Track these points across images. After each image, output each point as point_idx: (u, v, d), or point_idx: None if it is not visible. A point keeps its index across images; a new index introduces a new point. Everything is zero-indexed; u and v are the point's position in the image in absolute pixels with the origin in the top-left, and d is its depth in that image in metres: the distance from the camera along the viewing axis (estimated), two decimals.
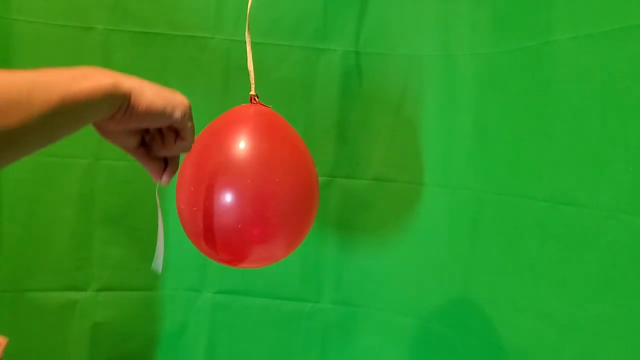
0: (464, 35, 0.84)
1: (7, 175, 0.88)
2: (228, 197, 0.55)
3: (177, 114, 0.44)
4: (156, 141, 0.47)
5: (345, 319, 0.95)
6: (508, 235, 0.78)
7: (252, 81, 0.64)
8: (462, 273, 0.85)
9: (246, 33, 0.64)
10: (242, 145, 0.56)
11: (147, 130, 0.47)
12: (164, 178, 0.50)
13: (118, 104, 0.40)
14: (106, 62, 0.90)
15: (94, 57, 0.89)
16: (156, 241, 0.55)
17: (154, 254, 0.59)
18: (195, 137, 0.54)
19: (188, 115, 0.46)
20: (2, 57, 0.86)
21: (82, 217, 0.92)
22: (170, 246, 0.94)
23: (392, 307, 0.92)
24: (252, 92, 0.64)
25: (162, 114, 0.43)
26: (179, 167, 0.52)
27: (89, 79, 0.38)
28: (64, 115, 0.37)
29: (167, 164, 0.50)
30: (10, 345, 0.91)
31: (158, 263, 0.56)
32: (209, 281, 0.95)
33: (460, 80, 0.85)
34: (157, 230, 0.55)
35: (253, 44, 0.90)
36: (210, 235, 0.57)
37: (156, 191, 0.53)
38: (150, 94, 0.42)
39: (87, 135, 0.93)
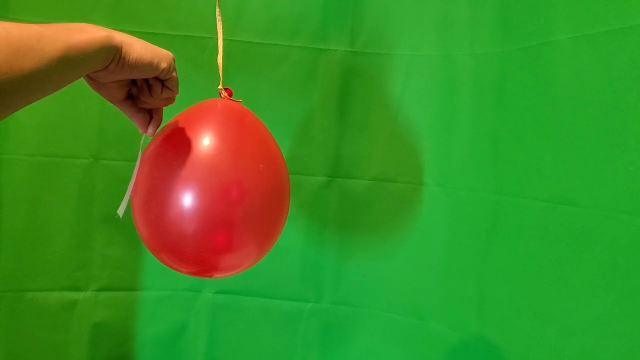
0: (464, 35, 0.84)
1: (7, 175, 0.88)
2: (188, 200, 0.48)
3: (163, 65, 0.48)
4: (143, 92, 0.50)
5: (345, 319, 0.95)
6: (508, 235, 0.78)
7: (221, 74, 0.60)
8: (462, 273, 0.85)
9: (218, 24, 0.62)
10: (205, 141, 0.51)
11: (134, 84, 0.51)
12: (150, 129, 0.53)
13: (111, 55, 0.44)
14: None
15: None
16: (127, 188, 0.52)
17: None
18: (158, 131, 0.54)
19: (173, 67, 0.50)
20: None
21: (82, 217, 0.92)
22: None
23: (392, 307, 0.92)
24: (220, 86, 0.59)
25: (150, 64, 0.47)
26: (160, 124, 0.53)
27: (86, 33, 0.41)
28: (68, 63, 0.40)
29: (152, 117, 0.53)
30: (10, 345, 0.91)
31: (122, 208, 0.52)
32: (209, 281, 0.95)
33: (460, 80, 0.85)
34: (132, 177, 0.52)
35: (253, 44, 0.91)
36: (171, 245, 0.50)
37: (141, 142, 0.54)
38: (139, 47, 0.46)
39: (87, 135, 0.94)
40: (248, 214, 0.51)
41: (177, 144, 0.51)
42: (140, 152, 0.54)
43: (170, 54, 0.50)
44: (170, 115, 0.89)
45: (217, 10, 0.61)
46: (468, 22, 0.83)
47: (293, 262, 0.93)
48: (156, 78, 0.49)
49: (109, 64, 0.44)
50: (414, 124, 0.90)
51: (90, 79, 0.47)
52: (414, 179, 0.91)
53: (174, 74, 0.50)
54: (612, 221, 0.63)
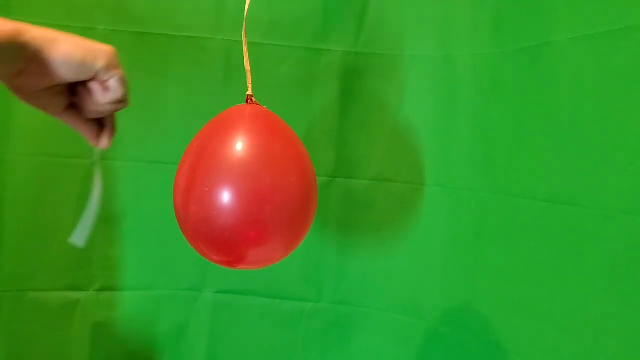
0: (464, 35, 0.84)
1: (9, 175, 0.88)
2: (226, 198, 0.54)
3: (100, 63, 0.40)
4: (85, 99, 0.43)
5: (345, 319, 0.95)
6: (508, 235, 0.78)
7: (249, 81, 0.63)
8: (462, 273, 0.85)
9: (243, 33, 0.64)
10: (238, 145, 0.56)
11: (72, 92, 0.43)
12: (103, 141, 0.47)
13: (22, 55, 0.36)
14: None
15: None
16: (85, 213, 0.50)
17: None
18: (192, 138, 0.57)
19: (114, 63, 0.42)
20: None
21: None
22: (169, 246, 0.95)
23: (392, 307, 0.93)
24: (249, 92, 0.63)
25: (82, 64, 0.39)
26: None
27: None
28: None
29: (103, 127, 0.47)
30: (11, 344, 0.91)
31: (81, 236, 0.49)
32: (209, 281, 0.95)
33: (460, 80, 0.85)
34: (91, 203, 0.50)
35: (253, 44, 0.91)
36: (208, 237, 0.56)
37: (95, 157, 0.49)
38: (67, 45, 0.39)
39: None
40: (278, 212, 0.56)
41: (214, 146, 0.56)
42: (97, 169, 0.49)
43: (109, 48, 0.42)
44: (169, 113, 0.89)
45: (244, 18, 0.62)
46: (468, 23, 0.83)
47: (293, 261, 0.94)
48: (95, 80, 0.42)
49: (24, 66, 0.37)
50: (414, 124, 0.91)
51: (12, 87, 0.39)
52: (414, 179, 0.91)
53: (116, 71, 0.42)
54: (612, 221, 0.63)
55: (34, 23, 0.69)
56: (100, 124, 0.47)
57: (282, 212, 0.56)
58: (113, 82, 0.43)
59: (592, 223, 0.65)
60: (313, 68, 0.91)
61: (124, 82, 0.43)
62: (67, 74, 0.39)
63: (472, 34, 0.83)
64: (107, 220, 0.93)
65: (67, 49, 0.39)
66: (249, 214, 0.54)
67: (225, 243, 0.56)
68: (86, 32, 0.88)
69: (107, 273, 0.93)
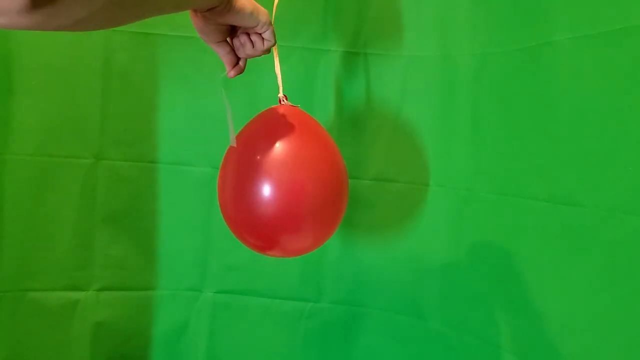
0: (464, 35, 0.84)
1: (9, 175, 0.88)
2: (266, 191, 0.60)
3: (262, 17, 0.56)
4: (245, 44, 0.59)
5: (345, 318, 0.95)
6: (508, 235, 0.78)
7: (280, 83, 0.67)
8: (462, 273, 0.85)
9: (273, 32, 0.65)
10: (277, 144, 0.62)
11: (235, 36, 0.59)
12: (232, 72, 0.62)
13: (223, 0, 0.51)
14: (107, 63, 0.90)
15: (95, 57, 0.90)
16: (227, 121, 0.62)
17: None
18: (234, 136, 0.64)
19: (269, 21, 0.58)
20: (2, 57, 0.86)
21: (84, 217, 0.92)
22: (169, 246, 0.95)
23: (392, 307, 0.93)
24: (280, 94, 0.67)
25: (251, 14, 0.54)
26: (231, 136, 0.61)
27: None
28: None
29: (236, 64, 0.62)
30: (11, 344, 0.91)
31: (232, 139, 0.62)
32: (209, 281, 0.95)
33: (460, 80, 0.85)
34: (227, 121, 0.61)
35: None
36: (249, 224, 0.63)
37: (220, 80, 0.63)
38: (244, 0, 0.54)
39: (89, 135, 0.94)
40: (310, 205, 0.62)
41: (256, 145, 0.62)
42: (223, 93, 0.62)
43: (266, 11, 0.57)
44: (170, 113, 0.89)
45: (272, 18, 0.65)
46: (468, 22, 0.83)
47: (293, 261, 0.94)
48: (256, 33, 0.58)
49: (218, 5, 0.51)
50: (414, 124, 0.91)
51: (201, 17, 0.54)
52: (414, 179, 0.91)
53: (270, 26, 0.58)
54: (612, 221, 0.63)
55: None
56: (237, 60, 0.62)
57: (314, 206, 0.62)
58: (268, 34, 0.58)
59: (592, 223, 0.65)
60: (313, 68, 0.91)
61: (274, 34, 0.59)
62: (239, 19, 0.54)
63: (471, 34, 0.83)
64: (107, 220, 0.93)
65: (244, 3, 0.54)
66: (286, 205, 0.60)
67: (262, 231, 0.62)
68: (86, 32, 0.88)
69: (107, 273, 0.93)
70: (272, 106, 0.67)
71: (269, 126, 0.65)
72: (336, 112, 0.93)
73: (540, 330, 0.72)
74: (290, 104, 0.67)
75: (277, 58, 0.67)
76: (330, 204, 0.64)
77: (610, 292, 0.64)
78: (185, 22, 0.91)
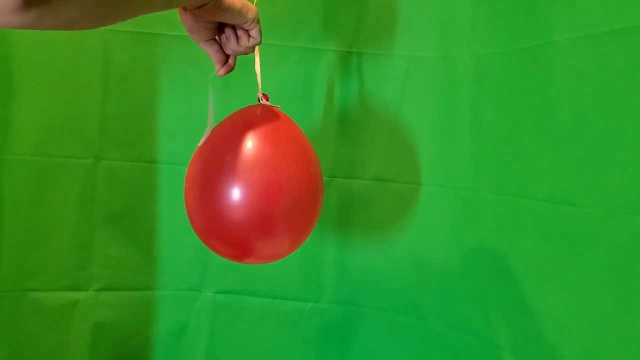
0: (464, 35, 0.84)
1: (8, 175, 0.88)
2: (235, 194, 0.56)
3: (250, 14, 0.56)
4: (231, 39, 0.59)
5: (345, 318, 0.95)
6: (508, 235, 0.78)
7: (259, 82, 0.65)
8: (462, 273, 0.85)
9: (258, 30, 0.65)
10: (249, 144, 0.58)
11: (222, 31, 0.59)
12: (222, 70, 0.61)
13: None
14: (106, 63, 0.90)
15: (95, 57, 0.90)
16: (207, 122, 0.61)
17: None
18: (203, 136, 0.61)
19: (257, 19, 0.58)
20: (2, 57, 0.86)
21: (83, 217, 0.92)
22: (169, 246, 0.95)
23: (392, 307, 0.93)
24: (260, 93, 0.65)
25: (240, 12, 0.54)
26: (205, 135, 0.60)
27: None
28: None
29: (226, 62, 0.62)
30: (11, 345, 0.91)
31: (202, 139, 0.61)
32: (209, 281, 0.95)
33: (460, 80, 0.85)
34: (207, 122, 0.61)
35: None
36: (218, 231, 0.59)
37: (210, 79, 0.62)
38: None
39: (88, 135, 0.94)
40: (285, 208, 0.58)
41: (226, 145, 0.59)
42: (210, 91, 0.62)
43: (255, 8, 0.57)
44: (169, 113, 0.89)
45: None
46: (468, 22, 0.83)
47: (293, 261, 0.93)
48: (242, 28, 0.57)
49: (208, 3, 0.51)
50: (414, 124, 0.91)
51: (190, 15, 0.55)
52: (413, 179, 0.91)
53: (258, 24, 0.58)
54: (612, 221, 0.63)
55: None
56: (227, 58, 0.61)
57: (288, 209, 0.59)
58: (255, 31, 0.58)
59: (592, 223, 0.65)
60: (313, 68, 0.91)
61: (261, 32, 0.59)
62: (228, 16, 0.54)
63: (471, 34, 0.83)
64: (107, 220, 0.93)
65: (233, 0, 0.54)
66: (256, 210, 0.57)
67: (233, 238, 0.59)
68: (85, 31, 0.88)
69: (107, 273, 0.93)
70: (249, 105, 0.65)
71: (242, 125, 0.61)
72: (336, 112, 0.93)
73: (540, 330, 0.72)
74: (269, 103, 0.65)
75: (258, 55, 0.65)
76: (305, 206, 0.61)
77: (610, 292, 0.64)
78: None
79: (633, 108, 0.61)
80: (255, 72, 0.64)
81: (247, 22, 0.56)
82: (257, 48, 0.64)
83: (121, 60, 0.90)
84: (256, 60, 0.65)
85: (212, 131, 0.62)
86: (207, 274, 0.95)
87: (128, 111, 0.92)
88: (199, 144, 0.61)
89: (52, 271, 0.91)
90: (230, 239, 0.59)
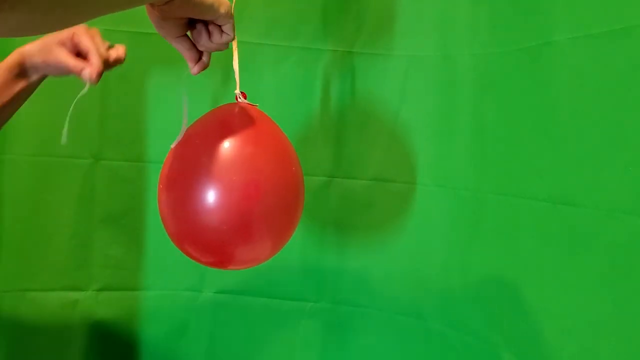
0: (464, 35, 0.84)
1: (8, 175, 0.88)
2: (211, 197, 0.53)
3: (222, 9, 0.53)
4: (201, 35, 0.56)
5: (345, 318, 0.95)
6: (508, 235, 0.78)
7: (237, 79, 0.62)
8: (462, 273, 0.85)
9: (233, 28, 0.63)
10: (225, 144, 0.55)
11: (193, 26, 0.57)
12: (195, 68, 0.59)
13: None
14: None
15: None
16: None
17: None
18: (178, 136, 0.58)
19: (230, 14, 0.55)
20: (2, 57, 0.86)
21: (83, 217, 0.92)
22: (169, 246, 0.95)
23: (392, 307, 0.93)
24: (237, 91, 0.62)
25: (211, 6, 0.51)
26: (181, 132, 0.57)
27: None
28: None
29: (200, 59, 0.59)
30: (11, 344, 0.91)
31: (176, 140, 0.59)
32: (209, 281, 0.95)
33: (460, 80, 0.85)
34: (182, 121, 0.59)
35: (252, 44, 0.91)
36: (193, 237, 0.55)
37: (183, 78, 0.60)
38: None
39: (88, 135, 0.94)
40: (265, 210, 0.55)
41: (202, 145, 0.56)
42: (184, 92, 0.61)
43: (228, 3, 0.54)
44: (168, 113, 0.89)
45: (232, 12, 0.62)
46: (468, 22, 0.83)
47: (293, 261, 0.94)
48: (214, 24, 0.55)
49: None
50: (414, 124, 0.90)
51: (158, 11, 0.53)
52: (413, 179, 0.91)
53: (231, 20, 0.55)
54: (612, 221, 0.63)
55: None
56: (200, 55, 0.59)
57: (267, 211, 0.55)
58: (228, 27, 0.55)
59: (592, 223, 0.65)
60: (312, 68, 0.91)
61: (234, 28, 0.56)
62: (198, 11, 0.52)
63: (471, 33, 0.83)
64: (106, 220, 0.93)
65: None
66: (235, 213, 0.54)
67: (210, 243, 0.55)
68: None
69: (107, 273, 0.93)
70: (226, 103, 0.62)
71: (219, 124, 0.58)
72: (335, 112, 0.92)
73: (540, 330, 0.72)
74: (247, 102, 0.62)
75: (236, 52, 0.62)
76: (285, 207, 0.58)
77: (610, 292, 0.64)
78: None
79: (633, 108, 0.61)
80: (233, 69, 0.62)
81: (218, 17, 0.53)
82: (235, 44, 0.62)
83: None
84: (234, 57, 0.62)
85: (188, 129, 0.59)
86: (207, 274, 0.95)
87: (127, 111, 0.92)
88: (172, 146, 0.58)
89: (52, 271, 0.91)
90: (207, 244, 0.55)
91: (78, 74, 0.61)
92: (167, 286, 0.95)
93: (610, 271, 0.63)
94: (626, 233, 0.61)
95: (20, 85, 0.64)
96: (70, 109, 0.60)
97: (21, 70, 0.64)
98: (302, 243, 0.94)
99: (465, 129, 0.84)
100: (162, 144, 0.92)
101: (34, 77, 0.65)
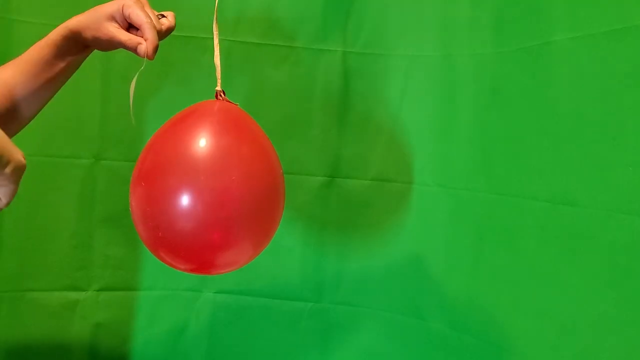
0: (464, 35, 0.84)
1: None
2: (185, 199, 0.49)
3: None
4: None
5: (345, 319, 0.95)
6: (508, 235, 0.78)
7: (219, 76, 0.61)
8: (462, 273, 0.85)
9: (214, 25, 0.63)
10: (201, 142, 0.52)
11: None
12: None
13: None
14: (106, 63, 0.90)
15: (94, 58, 0.89)
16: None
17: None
18: (154, 133, 0.56)
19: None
20: (2, 57, 0.86)
21: (83, 217, 0.92)
22: None
23: (392, 307, 0.93)
24: (218, 88, 0.60)
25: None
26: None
27: None
28: None
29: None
30: (11, 345, 0.91)
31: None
32: (209, 281, 0.95)
33: (460, 80, 0.85)
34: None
35: (253, 44, 0.91)
36: (168, 242, 0.52)
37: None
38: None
39: (88, 135, 0.94)
40: (242, 213, 0.52)
41: (175, 144, 0.52)
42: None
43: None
44: (169, 114, 0.89)
45: (215, 11, 0.62)
46: (468, 23, 0.83)
47: (293, 262, 0.94)
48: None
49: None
50: (414, 124, 0.91)
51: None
52: (413, 179, 0.91)
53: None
54: (612, 221, 0.63)
55: (33, 23, 0.71)
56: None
57: (245, 212, 0.53)
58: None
59: (592, 223, 0.65)
60: (313, 68, 0.91)
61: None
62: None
63: (472, 34, 0.83)
64: (106, 220, 0.93)
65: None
66: (210, 215, 0.51)
67: (186, 249, 0.52)
68: None
69: (107, 273, 0.93)
70: (204, 100, 0.59)
71: (196, 121, 0.55)
72: (336, 112, 0.92)
73: (540, 330, 0.72)
74: (227, 99, 0.60)
75: (218, 48, 0.61)
76: (265, 207, 0.55)
77: (610, 292, 0.64)
78: (186, 21, 0.91)
79: (633, 108, 0.61)
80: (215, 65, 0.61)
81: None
82: (216, 40, 0.61)
83: (121, 60, 0.90)
84: (215, 53, 0.61)
85: (164, 126, 0.57)
86: None
87: (128, 111, 0.92)
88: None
89: (52, 271, 0.91)
90: (182, 250, 0.52)
91: (133, 49, 0.58)
92: (167, 286, 0.95)
93: (610, 271, 0.63)
94: (626, 233, 0.62)
95: (67, 60, 0.60)
96: (132, 86, 0.58)
97: (68, 46, 0.59)
98: (302, 243, 0.94)
99: (466, 129, 0.84)
100: None
101: (82, 53, 0.62)
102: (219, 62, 0.60)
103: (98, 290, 0.93)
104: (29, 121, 0.64)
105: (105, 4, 0.58)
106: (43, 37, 0.68)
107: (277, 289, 0.95)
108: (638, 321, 0.61)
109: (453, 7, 0.85)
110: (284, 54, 0.91)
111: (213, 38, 0.62)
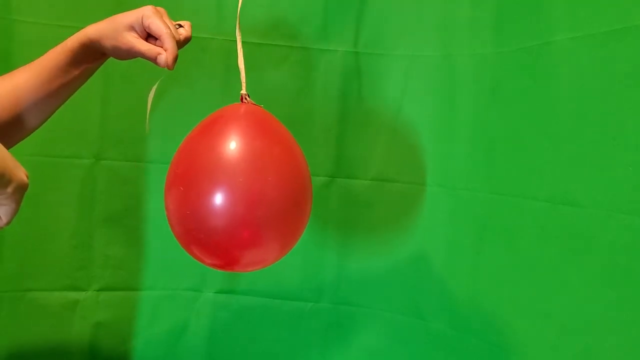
0: (464, 35, 0.84)
1: None
2: (218, 198, 0.53)
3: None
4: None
5: (345, 319, 0.95)
6: (508, 235, 0.78)
7: (243, 80, 0.62)
8: (462, 273, 0.85)
9: (237, 30, 0.63)
10: (232, 145, 0.55)
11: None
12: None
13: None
14: (107, 63, 0.89)
15: None
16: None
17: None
18: (186, 136, 0.58)
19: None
20: (2, 57, 0.86)
21: (83, 217, 0.92)
22: (169, 246, 0.95)
23: (392, 307, 0.93)
24: (243, 91, 0.62)
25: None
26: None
27: None
28: None
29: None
30: (11, 345, 0.91)
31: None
32: (209, 281, 0.95)
33: (460, 80, 0.85)
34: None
35: (252, 44, 0.91)
36: (200, 238, 0.55)
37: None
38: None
39: (88, 135, 0.94)
40: (271, 213, 0.55)
41: (209, 148, 0.55)
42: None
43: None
44: (169, 113, 0.89)
45: (237, 14, 0.62)
46: (468, 22, 0.83)
47: (294, 262, 0.93)
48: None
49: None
50: (414, 124, 0.91)
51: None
52: (414, 179, 0.91)
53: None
54: (612, 221, 0.63)
55: (34, 23, 0.71)
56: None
57: (276, 213, 0.55)
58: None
59: (592, 223, 0.65)
60: (313, 68, 0.91)
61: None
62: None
63: (472, 34, 0.83)
64: (107, 220, 0.93)
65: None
66: (241, 215, 0.53)
67: (217, 246, 0.55)
68: None
69: (107, 273, 0.93)
70: (231, 104, 0.61)
71: (224, 125, 0.57)
72: (336, 112, 0.93)
73: (540, 330, 0.72)
74: (253, 102, 0.62)
75: (241, 51, 0.62)
76: (294, 209, 0.57)
77: (610, 292, 0.64)
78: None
79: (633, 108, 0.61)
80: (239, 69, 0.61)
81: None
82: (239, 43, 0.61)
83: (121, 62, 0.90)
84: (239, 56, 0.61)
85: (194, 130, 0.59)
86: (207, 274, 0.95)
87: (128, 111, 0.92)
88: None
89: (52, 271, 0.91)
90: (213, 247, 0.55)
91: (152, 59, 0.58)
92: (167, 286, 0.95)
93: (610, 271, 0.63)
94: (626, 233, 0.62)
95: (82, 68, 0.61)
96: (150, 96, 0.60)
97: (85, 53, 0.60)
98: (303, 243, 0.93)
99: (466, 129, 0.84)
100: (163, 144, 0.92)
101: (98, 61, 0.63)
102: (242, 65, 0.61)
103: (98, 290, 0.93)
104: (32, 132, 0.64)
105: (124, 13, 0.59)
106: (43, 37, 0.68)
107: (278, 288, 0.95)
108: (638, 321, 0.61)
109: (453, 7, 0.85)
110: (285, 54, 0.91)
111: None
